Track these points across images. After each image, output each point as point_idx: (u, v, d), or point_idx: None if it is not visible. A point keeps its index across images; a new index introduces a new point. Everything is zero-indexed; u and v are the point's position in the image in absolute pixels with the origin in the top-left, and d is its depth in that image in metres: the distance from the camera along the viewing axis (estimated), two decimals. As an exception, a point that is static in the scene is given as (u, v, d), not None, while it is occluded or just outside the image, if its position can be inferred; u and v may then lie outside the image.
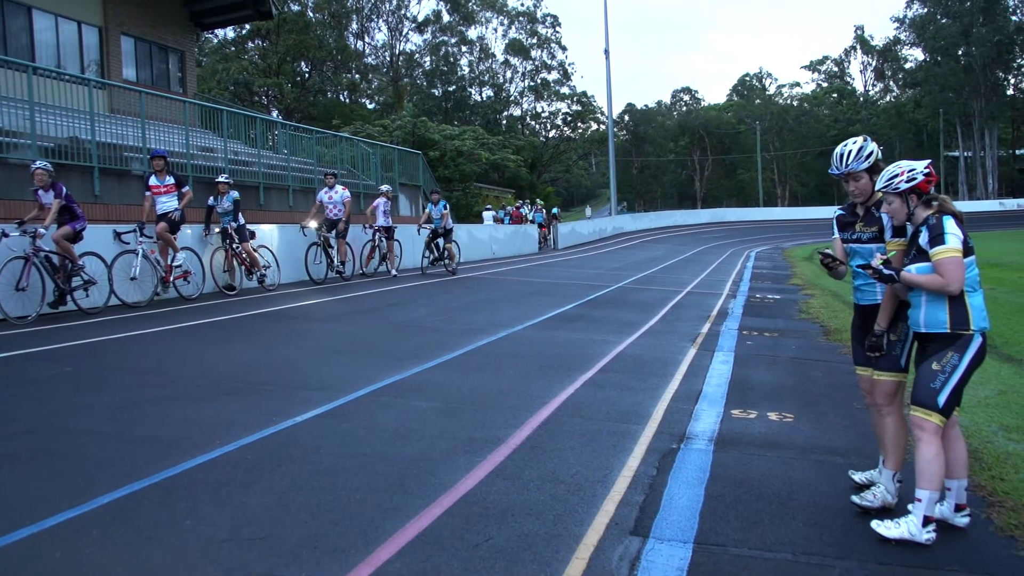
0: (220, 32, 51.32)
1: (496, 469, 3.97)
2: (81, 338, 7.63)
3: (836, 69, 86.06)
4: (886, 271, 3.34)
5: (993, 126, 67.11)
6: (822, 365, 7.13)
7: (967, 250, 3.25)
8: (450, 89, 69.99)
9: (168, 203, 10.76)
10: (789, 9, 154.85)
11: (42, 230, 8.80)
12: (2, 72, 11.73)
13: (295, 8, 53.35)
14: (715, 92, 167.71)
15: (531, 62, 70.61)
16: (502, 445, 4.36)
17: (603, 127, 66.60)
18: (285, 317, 9.64)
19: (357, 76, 63.98)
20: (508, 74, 71.57)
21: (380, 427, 4.69)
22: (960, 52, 66.11)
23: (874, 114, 77.87)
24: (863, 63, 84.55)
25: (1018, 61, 68.91)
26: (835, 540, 3.24)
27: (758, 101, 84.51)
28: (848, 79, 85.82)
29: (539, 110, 74.19)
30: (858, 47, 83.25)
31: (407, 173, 24.13)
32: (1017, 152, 73.14)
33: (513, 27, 69.87)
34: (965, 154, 69.54)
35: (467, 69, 70.55)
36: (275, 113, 52.26)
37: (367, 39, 65.93)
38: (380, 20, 65.47)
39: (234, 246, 11.87)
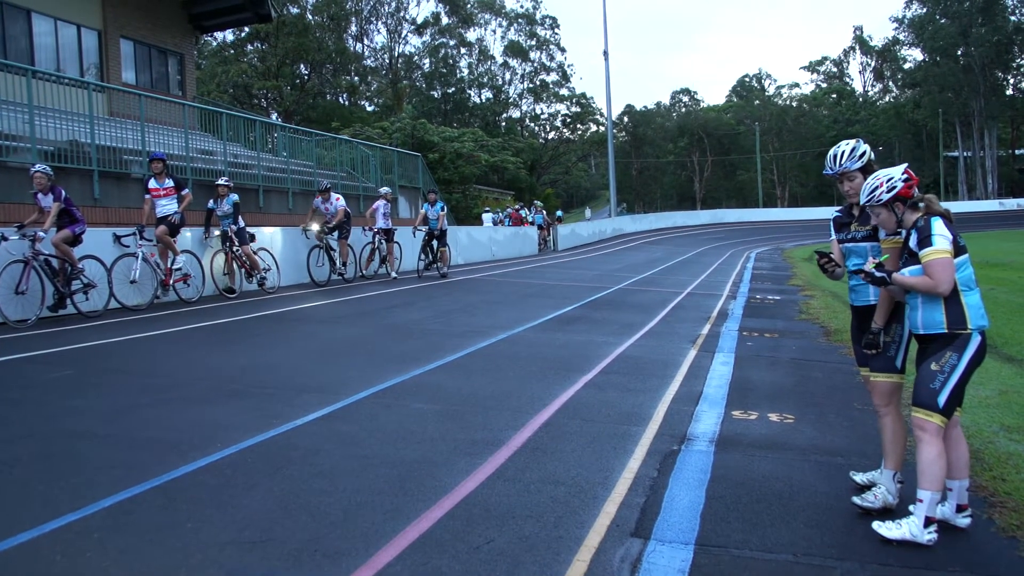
0: (219, 35, 51.50)
1: (497, 471, 3.96)
2: (81, 341, 7.63)
3: (835, 70, 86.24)
4: (878, 274, 3.34)
5: (992, 126, 67.15)
6: (822, 366, 7.13)
7: (958, 249, 3.25)
8: (449, 91, 70.03)
9: (168, 206, 10.76)
10: (788, 10, 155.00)
11: (41, 233, 8.80)
12: (1, 76, 11.75)
13: (294, 11, 53.39)
14: (714, 93, 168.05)
15: (530, 64, 70.75)
16: (503, 447, 4.36)
17: (602, 128, 66.67)
18: (285, 320, 9.64)
19: (356, 78, 64.00)
20: (507, 76, 71.73)
21: (381, 429, 4.68)
22: (959, 52, 66.15)
23: (873, 115, 77.94)
24: (862, 64, 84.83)
25: (1017, 61, 68.99)
26: (836, 541, 3.23)
27: (757, 102, 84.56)
28: (847, 80, 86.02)
29: (538, 112, 74.41)
30: (857, 48, 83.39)
31: (406, 175, 24.14)
32: (1016, 152, 73.17)
33: (512, 29, 70.04)
34: (964, 154, 69.58)
35: (466, 71, 70.69)
36: (274, 116, 52.27)
37: (366, 41, 66.05)
38: (379, 22, 65.58)
39: (234, 249, 11.87)
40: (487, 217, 30.79)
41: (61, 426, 4.65)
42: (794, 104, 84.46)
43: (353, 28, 63.99)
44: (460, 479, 3.82)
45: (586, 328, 9.15)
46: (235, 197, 11.84)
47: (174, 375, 6.20)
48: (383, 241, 15.44)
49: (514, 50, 69.77)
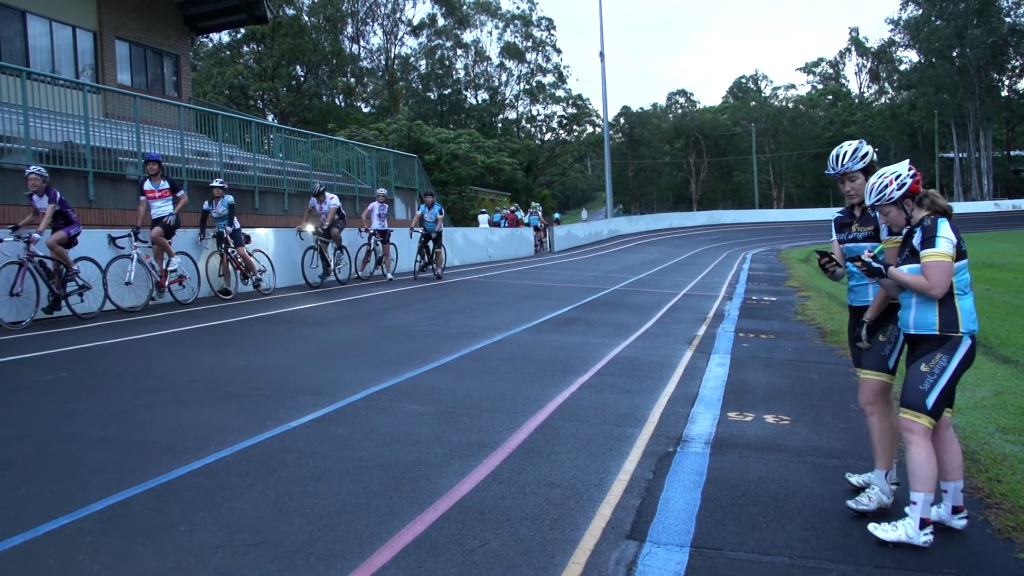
0: (215, 36, 51.26)
1: (492, 473, 3.95)
2: (75, 343, 7.60)
3: (831, 71, 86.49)
4: (875, 264, 3.33)
5: (988, 127, 67.40)
6: (818, 367, 7.13)
7: (960, 254, 3.23)
8: (445, 92, 70.00)
9: (163, 208, 10.73)
10: (784, 11, 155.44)
11: (36, 235, 8.77)
12: (-4, 77, 11.71)
13: (290, 12, 53.31)
14: (710, 94, 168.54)
15: (526, 65, 70.75)
16: (498, 449, 4.34)
17: (598, 130, 66.69)
18: (280, 321, 9.61)
19: (352, 80, 63.93)
20: (503, 77, 71.70)
21: (375, 432, 4.67)
22: (955, 54, 66.39)
23: (869, 116, 78.19)
24: (858, 65, 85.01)
25: (1012, 63, 69.22)
26: (832, 543, 3.23)
27: (753, 103, 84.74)
28: (843, 81, 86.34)
29: (534, 113, 74.37)
30: (853, 49, 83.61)
31: (403, 177, 24.12)
32: (1012, 153, 73.50)
33: (508, 30, 70.03)
34: (960, 155, 69.81)
35: (462, 72, 70.64)
36: (270, 117, 52.14)
37: (362, 43, 65.99)
38: (375, 24, 65.51)
39: (229, 250, 11.84)
40: (483, 218, 30.76)
41: (55, 428, 4.63)
42: (790, 105, 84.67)
43: (349, 29, 63.93)
44: (455, 481, 3.81)
45: (582, 329, 9.14)
46: (230, 199, 11.81)
47: (169, 377, 6.17)
48: (379, 242, 15.44)
49: (510, 51, 69.78)
